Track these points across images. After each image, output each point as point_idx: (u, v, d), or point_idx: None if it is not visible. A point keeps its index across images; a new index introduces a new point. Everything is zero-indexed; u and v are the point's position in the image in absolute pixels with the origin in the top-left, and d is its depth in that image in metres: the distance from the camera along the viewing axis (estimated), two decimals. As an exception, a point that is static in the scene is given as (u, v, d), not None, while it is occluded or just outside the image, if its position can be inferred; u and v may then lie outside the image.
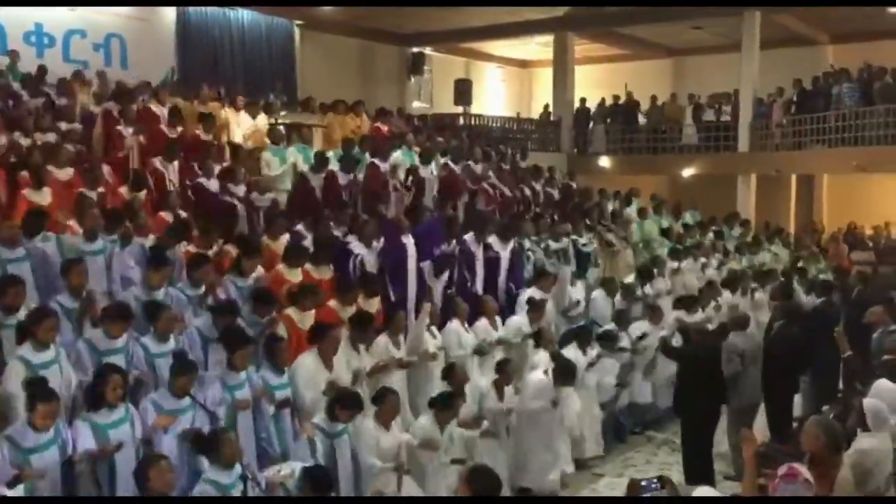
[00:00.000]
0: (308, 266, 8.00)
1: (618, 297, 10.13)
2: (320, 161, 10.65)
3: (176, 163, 9.93)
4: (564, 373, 7.47)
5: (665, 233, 13.58)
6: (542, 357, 8.04)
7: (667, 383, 9.17)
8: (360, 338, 7.00)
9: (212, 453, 5.10)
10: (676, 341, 8.84)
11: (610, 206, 13.89)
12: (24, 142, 9.70)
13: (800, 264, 13.74)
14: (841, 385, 8.76)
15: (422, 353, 7.62)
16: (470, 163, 12.48)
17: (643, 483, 4.70)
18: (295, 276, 7.78)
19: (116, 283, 7.14)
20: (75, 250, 7.03)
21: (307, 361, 6.56)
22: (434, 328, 7.97)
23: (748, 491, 4.68)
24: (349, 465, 6.05)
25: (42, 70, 12.86)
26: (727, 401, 7.91)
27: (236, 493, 5.04)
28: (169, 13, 16.50)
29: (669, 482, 4.68)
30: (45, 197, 8.30)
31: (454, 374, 7.18)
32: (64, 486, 4.95)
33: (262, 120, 12.67)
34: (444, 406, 6.58)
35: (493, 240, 9.92)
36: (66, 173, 8.92)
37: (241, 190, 9.78)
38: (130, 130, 10.37)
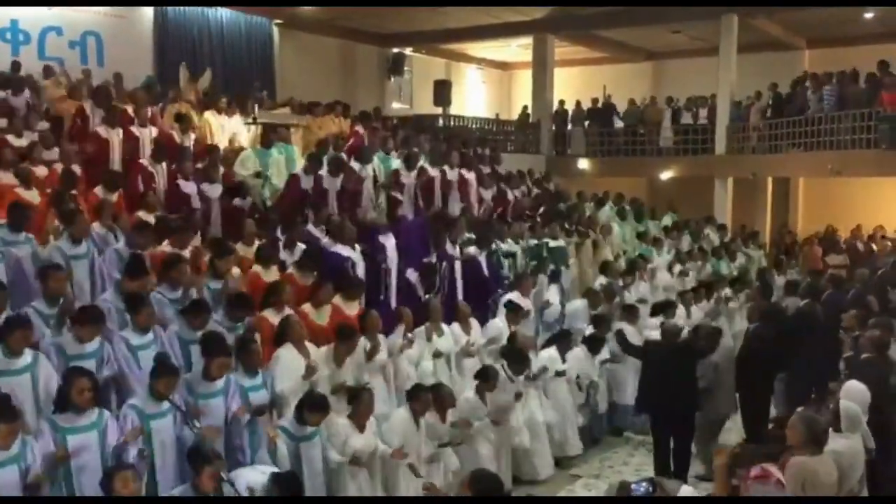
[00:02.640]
0: (293, 271, 8.00)
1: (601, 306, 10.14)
2: (314, 162, 10.57)
3: (164, 164, 9.83)
4: (517, 360, 7.48)
5: (640, 236, 13.66)
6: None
7: None
8: (344, 349, 6.92)
9: (194, 471, 5.03)
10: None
11: (587, 212, 13.97)
12: (16, 142, 9.58)
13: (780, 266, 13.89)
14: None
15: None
16: (445, 167, 12.45)
17: (633, 485, 4.73)
18: (270, 276, 7.74)
19: (99, 287, 7.06)
20: (58, 255, 6.92)
21: (283, 354, 6.55)
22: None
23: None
24: (318, 469, 6.00)
25: (16, 66, 12.68)
26: (699, 408, 7.91)
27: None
28: (147, 11, 16.31)
29: (660, 484, 4.71)
30: (34, 197, 8.22)
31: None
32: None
33: (239, 121, 12.60)
34: (417, 399, 6.61)
35: (471, 248, 9.96)
36: (40, 172, 8.82)
37: (216, 190, 9.71)
38: (106, 129, 10.23)
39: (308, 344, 6.79)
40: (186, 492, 5.02)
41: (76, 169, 9.07)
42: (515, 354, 7.82)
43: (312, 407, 5.95)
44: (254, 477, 5.25)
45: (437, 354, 7.90)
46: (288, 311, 7.18)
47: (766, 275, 12.72)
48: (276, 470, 5.44)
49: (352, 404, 6.28)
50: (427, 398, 6.67)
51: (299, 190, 10.24)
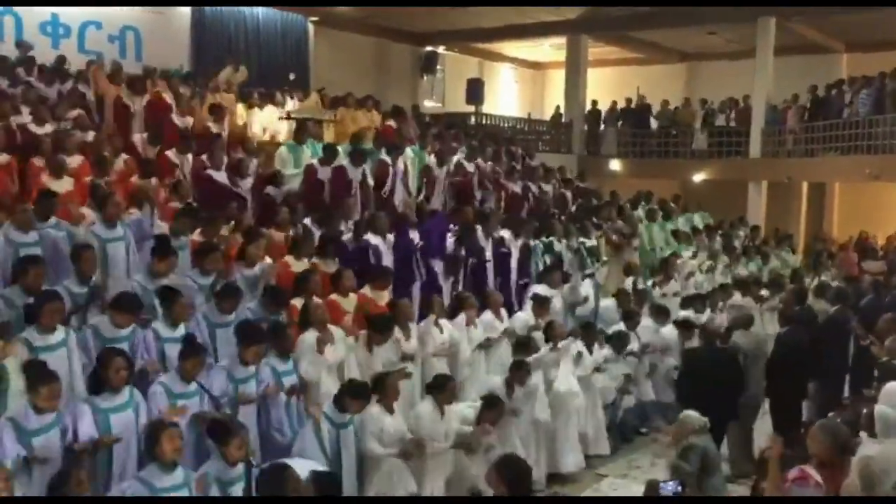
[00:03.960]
0: (315, 259, 8.05)
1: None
2: (329, 153, 10.64)
3: (189, 155, 9.96)
4: (517, 372, 7.38)
5: (674, 235, 13.59)
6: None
7: (666, 378, 9.24)
8: (377, 339, 7.01)
9: (221, 446, 5.08)
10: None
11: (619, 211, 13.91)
12: (39, 130, 9.71)
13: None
14: (847, 392, 8.75)
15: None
16: (479, 161, 12.49)
17: (662, 484, 4.70)
18: (301, 267, 7.81)
19: (135, 270, 7.14)
20: (95, 239, 7.02)
21: (306, 338, 6.62)
22: (443, 321, 7.94)
23: (772, 490, 4.64)
24: (353, 458, 6.06)
25: (61, 60, 12.88)
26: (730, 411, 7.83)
27: (237, 489, 5.00)
28: (185, 7, 16.54)
29: (689, 484, 4.68)
30: (63, 185, 8.31)
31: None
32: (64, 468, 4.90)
33: (275, 114, 12.71)
34: (441, 388, 6.59)
35: (505, 235, 9.93)
36: (75, 161, 8.95)
37: (247, 183, 9.81)
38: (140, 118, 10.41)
39: (332, 327, 6.83)
40: (218, 467, 5.04)
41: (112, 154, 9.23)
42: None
43: (355, 394, 5.99)
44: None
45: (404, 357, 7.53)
46: (316, 300, 7.25)
47: (800, 279, 12.56)
48: (317, 467, 5.42)
49: (377, 390, 6.29)
50: (452, 387, 6.68)
51: (317, 181, 10.29)
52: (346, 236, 9.03)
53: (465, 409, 6.82)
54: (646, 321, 9.54)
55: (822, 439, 4.73)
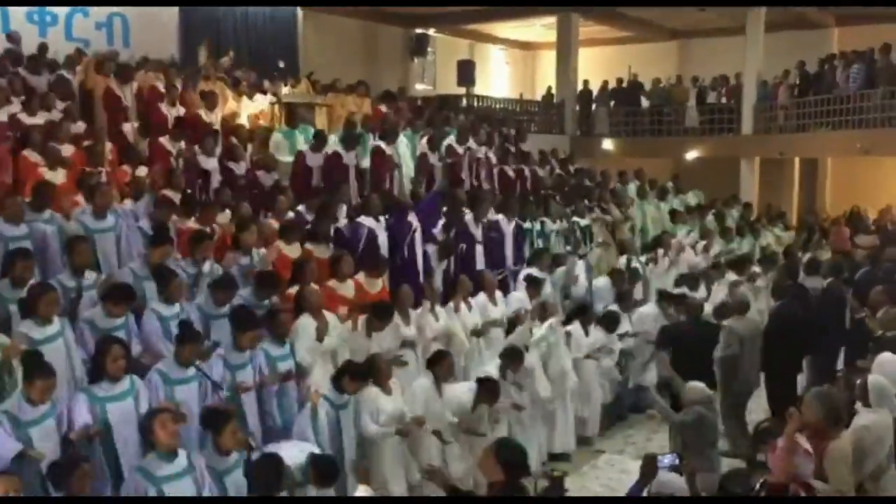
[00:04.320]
0: (308, 244, 8.04)
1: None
2: (319, 140, 10.60)
3: (182, 143, 9.93)
4: (510, 359, 7.39)
5: (671, 215, 13.63)
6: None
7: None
8: (376, 326, 7.03)
9: (214, 434, 5.08)
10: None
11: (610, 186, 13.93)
12: (30, 120, 9.65)
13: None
14: (841, 365, 8.80)
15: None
16: (471, 144, 12.45)
17: (660, 457, 4.72)
18: (293, 253, 7.80)
19: (126, 260, 7.14)
20: (83, 229, 7.01)
21: (301, 322, 6.63)
22: (438, 309, 7.95)
23: (782, 471, 4.61)
24: (353, 438, 6.08)
25: (43, 48, 12.79)
26: (715, 386, 7.88)
27: (235, 476, 5.03)
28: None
29: (687, 458, 4.71)
30: (58, 177, 8.30)
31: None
32: (63, 457, 4.91)
33: (266, 100, 12.66)
34: (438, 363, 6.63)
35: (498, 217, 9.94)
36: (66, 151, 8.89)
37: (241, 168, 9.79)
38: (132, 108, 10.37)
39: (326, 313, 6.84)
40: (210, 455, 5.06)
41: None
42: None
43: (354, 375, 6.02)
44: (292, 454, 5.24)
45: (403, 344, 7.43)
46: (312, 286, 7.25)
47: (793, 255, 12.59)
48: (315, 450, 5.45)
49: (370, 372, 6.31)
50: (450, 361, 6.70)
51: (305, 167, 10.27)
52: (342, 221, 9.01)
53: (462, 392, 6.81)
54: (648, 308, 9.55)
55: (814, 408, 4.77)
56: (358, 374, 6.05)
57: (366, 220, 8.81)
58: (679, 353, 7.94)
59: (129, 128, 10.35)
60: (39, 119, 9.69)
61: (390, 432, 6.17)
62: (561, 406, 8.07)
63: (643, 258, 11.13)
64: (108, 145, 9.45)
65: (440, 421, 6.55)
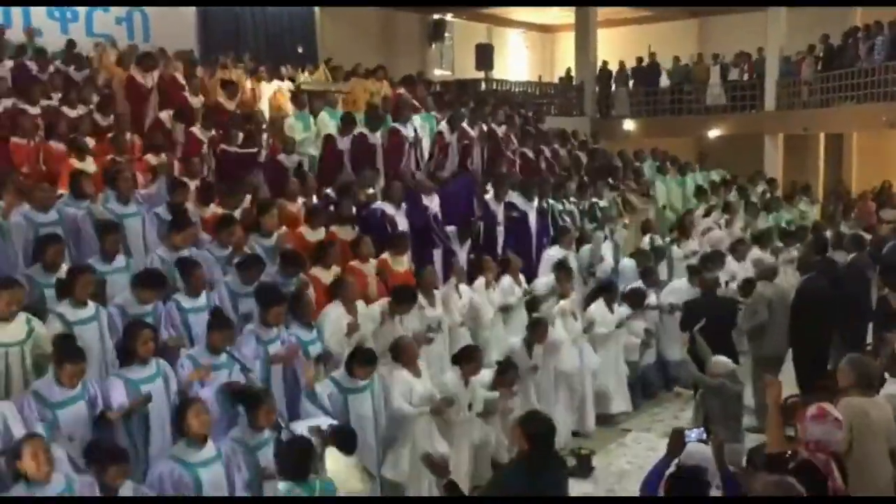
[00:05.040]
0: (334, 227, 8.12)
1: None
2: (347, 123, 10.66)
3: (212, 131, 10.05)
4: (535, 330, 7.45)
5: (698, 191, 13.57)
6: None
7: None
8: (400, 310, 7.05)
9: (249, 412, 5.17)
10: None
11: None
12: (71, 113, 9.80)
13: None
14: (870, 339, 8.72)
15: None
16: (492, 125, 12.44)
17: (687, 432, 4.72)
18: (316, 237, 7.88)
19: (151, 245, 7.22)
20: (108, 214, 7.11)
21: (331, 311, 6.68)
22: (463, 287, 8.01)
23: (775, 440, 4.66)
24: (368, 421, 6.07)
25: (71, 44, 12.93)
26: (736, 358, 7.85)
27: (266, 452, 5.11)
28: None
29: (716, 434, 4.70)
30: (89, 166, 8.42)
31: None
32: (95, 439, 5.00)
33: (284, 86, 12.73)
34: (468, 360, 6.62)
35: (517, 199, 9.93)
36: (90, 141, 9.02)
37: (261, 156, 9.88)
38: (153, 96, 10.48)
39: (358, 303, 6.90)
40: (244, 433, 5.15)
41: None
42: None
43: (362, 360, 6.05)
44: (316, 422, 5.38)
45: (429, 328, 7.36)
46: (335, 268, 7.33)
47: (820, 229, 12.48)
48: (332, 422, 5.52)
49: (396, 358, 6.35)
50: (478, 357, 6.70)
51: (335, 151, 10.33)
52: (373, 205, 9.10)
53: (485, 374, 6.85)
54: (678, 282, 9.50)
55: (847, 372, 4.77)
56: (367, 360, 6.06)
57: (387, 208, 8.84)
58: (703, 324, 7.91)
59: (165, 116, 10.43)
60: (78, 111, 9.88)
61: (425, 411, 6.20)
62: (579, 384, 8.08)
63: (667, 239, 11.06)
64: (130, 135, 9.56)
65: (467, 414, 6.58)
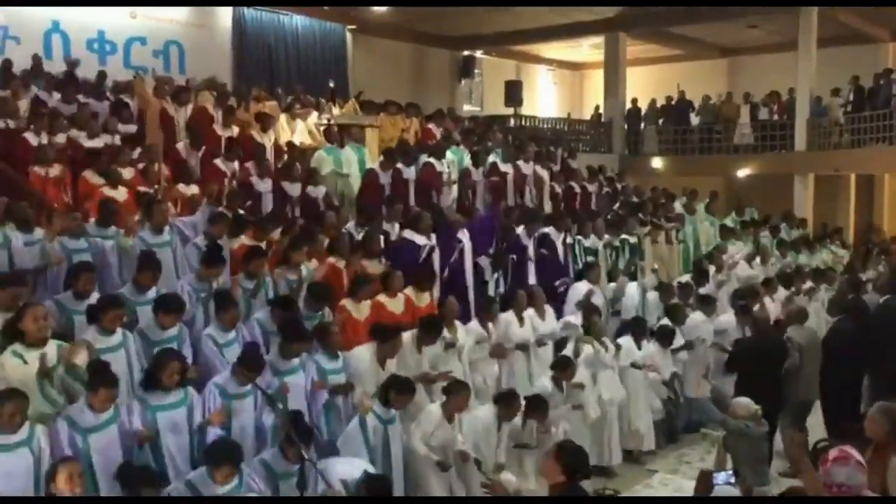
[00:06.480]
0: (363, 260, 8.16)
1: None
2: (388, 158, 10.81)
3: (236, 163, 10.17)
4: (562, 365, 7.45)
5: (723, 230, 13.49)
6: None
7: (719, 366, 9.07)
8: (426, 340, 7.10)
9: (286, 443, 5.19)
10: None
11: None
12: (88, 143, 9.97)
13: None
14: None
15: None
16: (520, 162, 12.50)
17: (714, 474, 4.65)
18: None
19: (182, 273, 7.33)
20: (140, 244, 7.21)
21: (364, 355, 6.65)
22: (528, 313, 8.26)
23: (811, 485, 4.56)
24: (401, 453, 6.11)
25: (102, 75, 13.21)
26: (783, 400, 7.75)
27: (290, 482, 5.13)
28: (225, 19, 16.85)
29: (743, 479, 4.63)
30: (120, 195, 8.57)
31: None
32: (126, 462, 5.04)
33: (314, 120, 12.88)
34: (507, 404, 6.60)
35: (550, 232, 9.99)
36: (127, 173, 9.17)
37: (296, 188, 9.97)
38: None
39: None
40: (273, 460, 5.22)
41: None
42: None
43: (400, 389, 6.04)
44: (347, 470, 5.32)
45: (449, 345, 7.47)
46: (366, 302, 7.38)
47: (854, 269, 12.33)
48: (369, 468, 5.47)
49: (447, 395, 6.33)
50: (517, 406, 6.65)
51: (378, 185, 10.47)
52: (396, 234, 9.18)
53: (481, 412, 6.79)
54: (695, 315, 9.44)
55: (880, 422, 4.67)
56: (404, 388, 6.06)
57: (417, 238, 8.89)
58: (744, 368, 7.80)
59: (181, 146, 10.60)
60: (99, 142, 10.01)
61: (433, 460, 6.15)
62: (605, 418, 8.01)
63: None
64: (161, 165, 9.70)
65: (492, 454, 6.56)
